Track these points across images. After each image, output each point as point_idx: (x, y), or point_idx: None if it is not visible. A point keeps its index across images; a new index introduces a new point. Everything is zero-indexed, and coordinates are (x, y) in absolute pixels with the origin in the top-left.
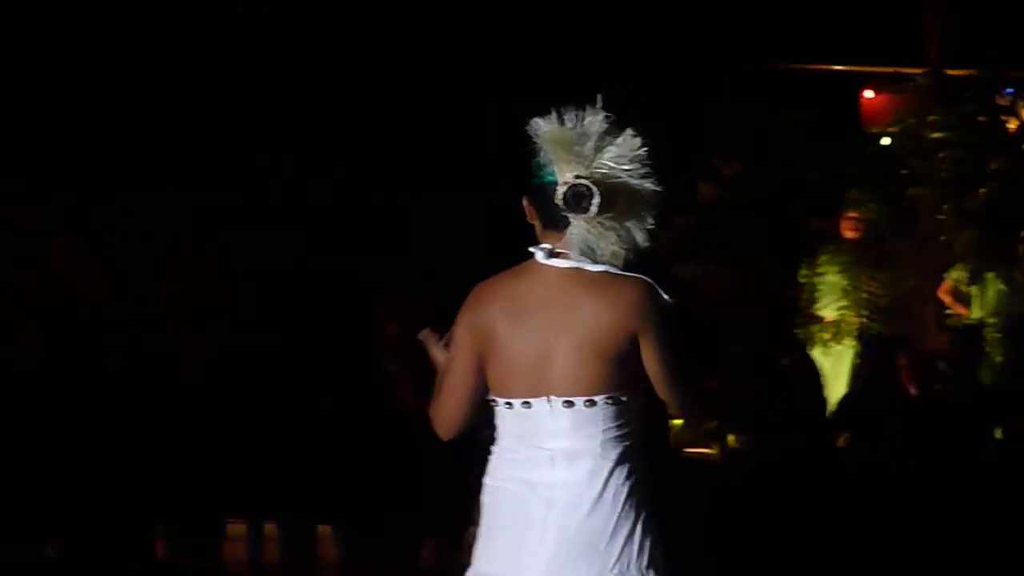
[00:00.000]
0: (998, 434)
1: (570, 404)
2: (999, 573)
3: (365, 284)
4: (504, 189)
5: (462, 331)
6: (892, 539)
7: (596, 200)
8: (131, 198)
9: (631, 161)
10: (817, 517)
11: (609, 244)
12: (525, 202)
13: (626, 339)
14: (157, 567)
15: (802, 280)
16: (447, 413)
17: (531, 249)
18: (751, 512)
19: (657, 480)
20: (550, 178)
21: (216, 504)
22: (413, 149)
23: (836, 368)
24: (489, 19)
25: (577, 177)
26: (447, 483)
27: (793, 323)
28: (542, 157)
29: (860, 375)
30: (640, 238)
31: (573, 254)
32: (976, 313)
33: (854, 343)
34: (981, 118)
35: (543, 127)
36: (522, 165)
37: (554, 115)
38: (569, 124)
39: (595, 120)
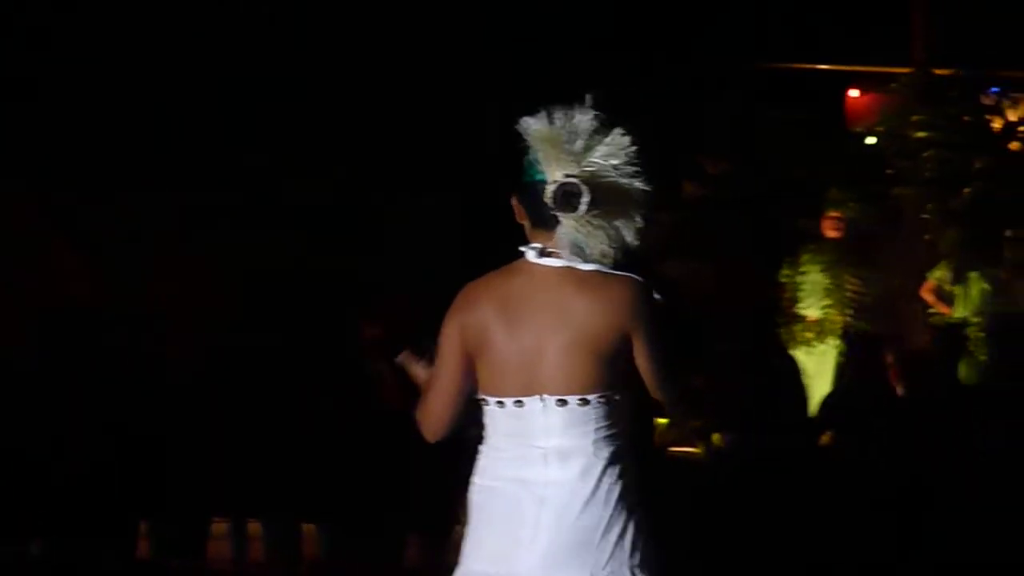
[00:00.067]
0: (984, 433)
1: (563, 403)
2: (987, 572)
3: (363, 284)
4: (499, 189)
5: (452, 331)
6: (878, 537)
7: (586, 199)
8: (126, 198)
9: (620, 160)
10: (802, 516)
11: (599, 243)
12: (514, 201)
13: (619, 338)
14: (141, 566)
15: (784, 280)
16: (435, 414)
17: (522, 248)
18: (736, 511)
19: (643, 479)
20: (539, 177)
21: (201, 503)
22: (411, 149)
23: (820, 367)
24: (487, 20)
25: (567, 176)
26: (432, 482)
27: (777, 322)
28: (531, 156)
29: (845, 373)
30: (629, 237)
31: (564, 253)
32: (960, 312)
33: (837, 342)
34: (966, 118)
35: (533, 126)
36: (515, 164)
37: (544, 114)
38: (559, 123)
39: (584, 119)
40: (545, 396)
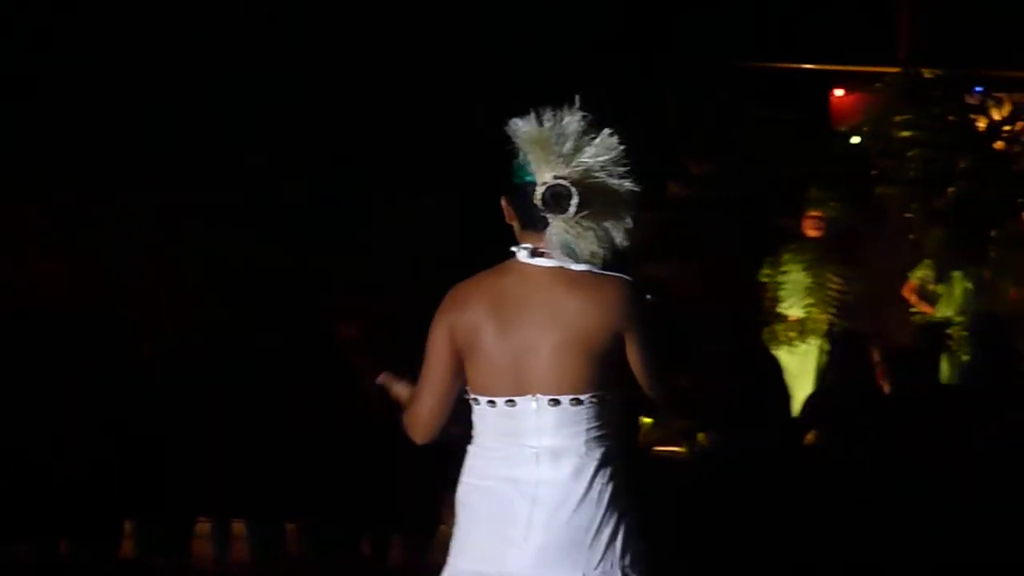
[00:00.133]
0: (971, 432)
1: (556, 402)
2: (975, 572)
3: (353, 284)
4: (497, 189)
5: (441, 331)
6: (864, 537)
7: (575, 200)
8: (119, 197)
9: (609, 161)
10: (787, 516)
11: (588, 244)
12: (504, 202)
13: (612, 338)
14: (125, 565)
15: (764, 279)
16: (425, 417)
17: (513, 248)
18: (721, 510)
19: (631, 479)
20: (529, 178)
21: (185, 502)
22: (410, 149)
23: (802, 367)
24: (472, 21)
25: (556, 177)
26: (416, 482)
27: (761, 321)
28: (521, 158)
29: (830, 372)
30: (618, 238)
31: (555, 254)
32: (944, 311)
33: (819, 341)
34: (950, 117)
35: (522, 128)
36: (505, 165)
37: (532, 116)
38: (547, 125)
39: (573, 120)
40: (538, 396)
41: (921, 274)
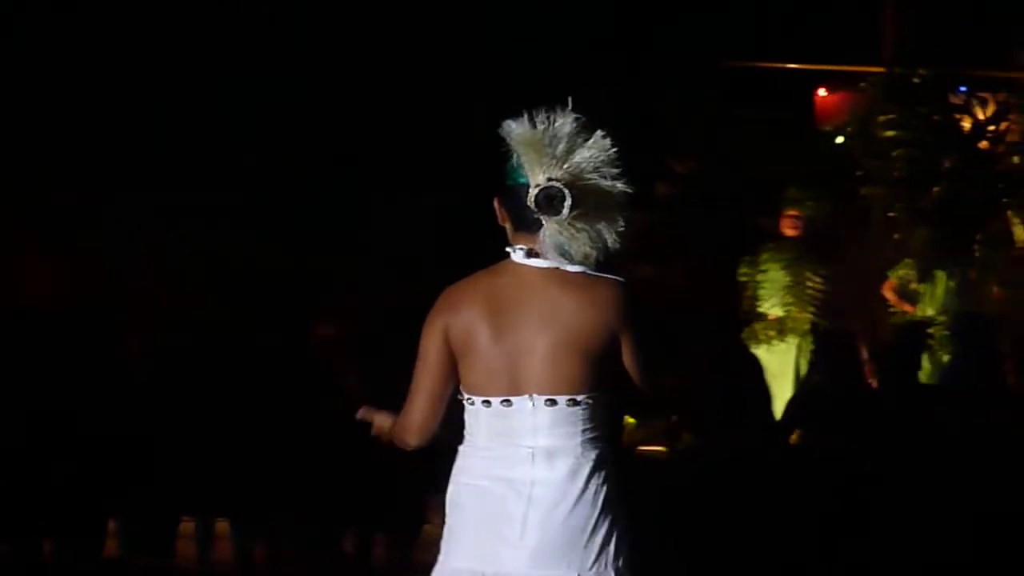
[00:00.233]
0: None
1: (552, 402)
2: (963, 572)
3: (343, 284)
4: (492, 190)
5: (435, 332)
6: (850, 536)
7: (568, 202)
8: (111, 197)
9: (602, 162)
10: (773, 515)
11: (581, 245)
12: (496, 204)
13: (607, 338)
14: (109, 564)
15: (743, 278)
16: (419, 420)
17: (508, 249)
18: (705, 510)
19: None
20: (522, 180)
21: (169, 502)
22: (409, 150)
23: (781, 366)
24: (484, 21)
25: (549, 179)
26: (400, 480)
27: (741, 321)
28: (514, 159)
29: (815, 370)
30: (610, 239)
31: (550, 255)
32: (925, 310)
33: (798, 340)
34: (935, 117)
35: (515, 130)
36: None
37: (525, 118)
38: (540, 126)
39: (566, 122)
40: (534, 395)
41: (901, 273)
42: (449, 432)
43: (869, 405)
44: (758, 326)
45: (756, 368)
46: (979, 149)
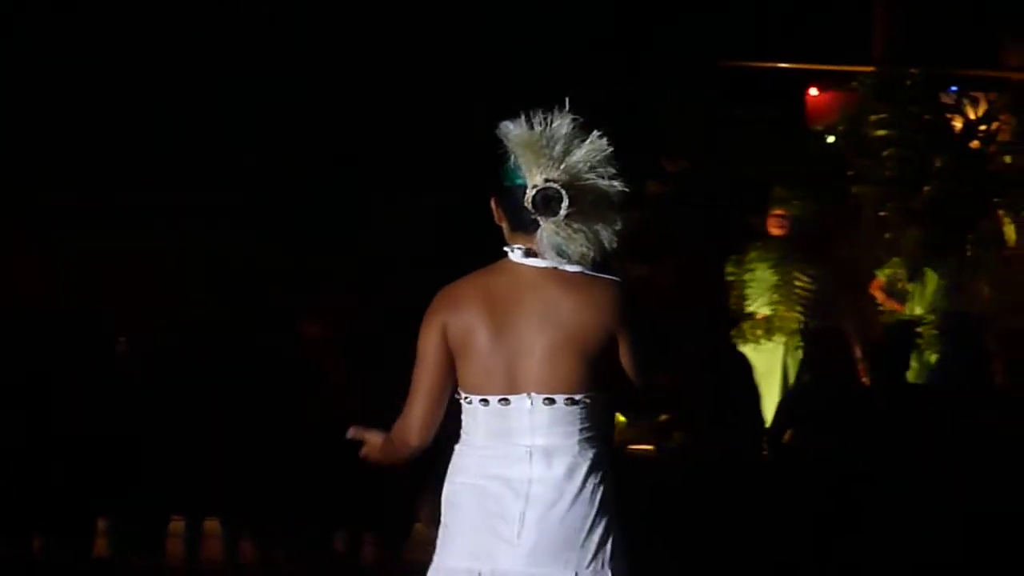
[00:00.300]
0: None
1: (551, 401)
2: (953, 570)
3: (319, 284)
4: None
5: (433, 331)
6: (841, 535)
7: (565, 203)
8: (111, 197)
9: (599, 163)
10: (763, 515)
11: (578, 246)
12: (493, 204)
13: (606, 338)
14: (99, 564)
15: (730, 277)
16: (419, 421)
17: (506, 248)
18: (693, 509)
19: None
20: (519, 181)
21: (159, 501)
22: (409, 150)
23: (769, 365)
24: (484, 21)
25: (546, 180)
26: (390, 479)
27: (730, 320)
28: (511, 160)
29: (806, 369)
30: (607, 240)
31: (548, 255)
32: (915, 310)
33: (786, 339)
34: (926, 116)
35: (512, 131)
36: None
37: (523, 119)
38: (538, 127)
39: (563, 123)
40: (532, 394)
41: (889, 272)
42: (442, 432)
43: (860, 404)
44: (746, 325)
45: (746, 367)
46: (970, 149)
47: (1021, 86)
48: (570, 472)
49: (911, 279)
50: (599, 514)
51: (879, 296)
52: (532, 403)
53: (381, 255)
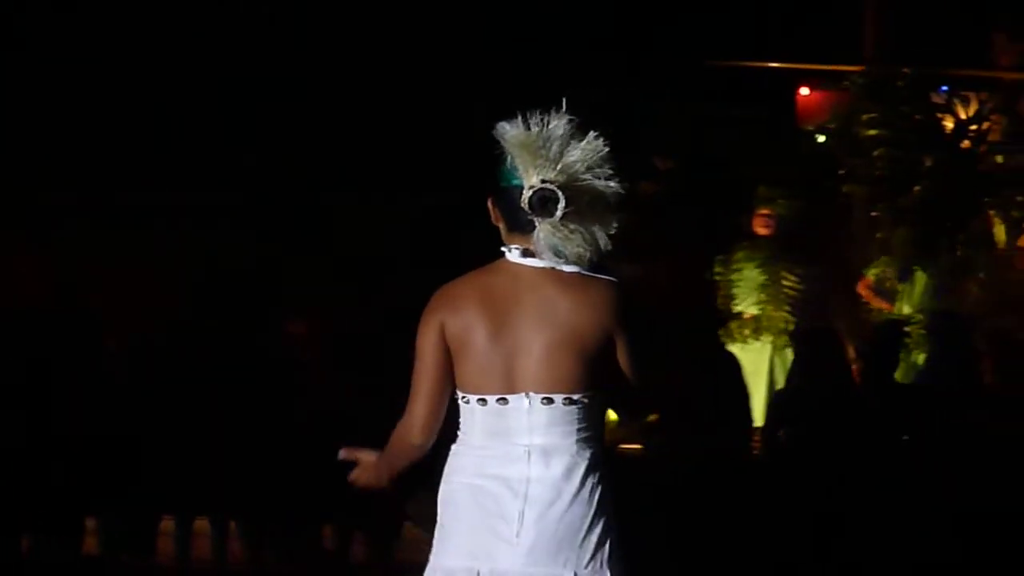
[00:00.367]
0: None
1: (549, 401)
2: (942, 570)
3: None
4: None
5: (431, 331)
6: (836, 534)
7: (561, 204)
8: (110, 197)
9: (595, 163)
10: (754, 515)
11: (575, 247)
12: (490, 204)
13: (604, 338)
14: (89, 562)
15: (717, 277)
16: (421, 421)
17: (503, 249)
18: (683, 508)
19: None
20: (516, 182)
21: (149, 499)
22: (408, 149)
23: (756, 365)
24: (484, 21)
25: (543, 181)
26: None
27: (718, 320)
28: (507, 161)
29: (796, 370)
30: (603, 240)
31: (545, 255)
32: (903, 309)
33: (773, 339)
34: (917, 116)
35: (508, 131)
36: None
37: (519, 119)
38: (534, 128)
39: (560, 123)
40: (531, 394)
41: (877, 271)
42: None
43: (850, 404)
44: (733, 325)
45: (735, 367)
46: (961, 148)
47: (1012, 86)
48: (568, 472)
49: (901, 279)
50: (597, 513)
51: (866, 294)
52: (530, 403)
53: (380, 255)
